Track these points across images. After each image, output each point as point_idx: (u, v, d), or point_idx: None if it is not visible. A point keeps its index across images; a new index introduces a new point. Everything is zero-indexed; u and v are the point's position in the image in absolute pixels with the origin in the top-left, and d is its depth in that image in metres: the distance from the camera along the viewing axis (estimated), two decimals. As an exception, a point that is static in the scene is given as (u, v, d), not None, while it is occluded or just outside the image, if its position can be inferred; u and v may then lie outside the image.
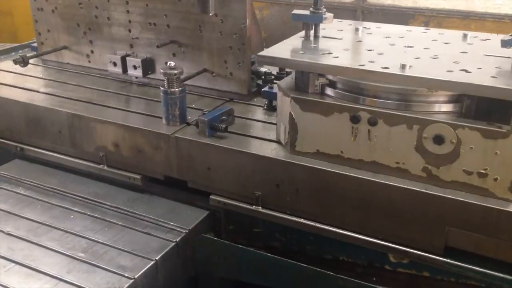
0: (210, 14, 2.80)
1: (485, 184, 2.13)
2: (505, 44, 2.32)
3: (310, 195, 2.44)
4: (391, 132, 2.23)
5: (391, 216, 2.29)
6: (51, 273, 2.38)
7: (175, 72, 2.72)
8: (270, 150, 2.54)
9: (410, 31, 2.89)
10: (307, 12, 2.68)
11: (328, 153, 2.40)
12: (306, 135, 2.42)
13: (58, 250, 2.53)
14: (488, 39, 2.70)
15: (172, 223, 2.70)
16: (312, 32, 2.73)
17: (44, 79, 3.61)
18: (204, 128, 2.65)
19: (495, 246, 2.14)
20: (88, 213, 2.83)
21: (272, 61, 2.48)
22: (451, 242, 2.22)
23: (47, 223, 2.74)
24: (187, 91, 3.26)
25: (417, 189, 2.20)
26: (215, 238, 2.75)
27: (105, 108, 3.09)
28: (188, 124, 2.81)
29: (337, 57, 2.40)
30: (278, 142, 2.62)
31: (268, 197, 2.55)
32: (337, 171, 2.34)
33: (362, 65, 2.26)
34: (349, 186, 2.33)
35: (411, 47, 2.56)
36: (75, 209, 2.86)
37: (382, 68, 2.23)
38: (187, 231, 2.66)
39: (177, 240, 2.60)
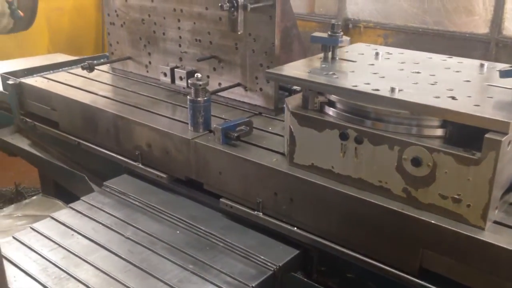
0: (239, 33, 3.06)
1: (459, 210, 2.15)
2: (502, 74, 2.33)
3: (302, 205, 2.58)
4: (375, 151, 2.32)
5: (372, 233, 2.36)
6: (163, 279, 2.51)
7: (200, 83, 3.01)
8: (272, 161, 2.73)
9: (431, 58, 2.94)
10: (325, 35, 2.86)
11: (321, 167, 2.53)
12: (303, 148, 2.58)
13: (170, 258, 2.67)
14: (504, 70, 2.67)
15: (262, 257, 2.65)
16: (330, 54, 2.90)
17: (107, 84, 4.08)
18: (219, 135, 2.90)
19: (465, 272, 2.14)
20: (193, 230, 2.93)
21: (277, 77, 2.68)
22: (425, 264, 2.25)
23: (154, 235, 2.87)
24: (223, 103, 3.57)
25: (394, 208, 2.27)
26: (305, 279, 2.68)
27: (146, 112, 3.45)
28: (210, 131, 3.07)
29: (337, 77, 2.54)
30: (283, 154, 2.80)
31: (268, 204, 2.72)
32: (324, 184, 2.47)
33: (355, 86, 2.39)
34: (335, 200, 2.45)
35: (418, 73, 2.63)
36: (181, 224, 2.98)
37: (373, 90, 2.34)
38: (277, 267, 2.60)
39: (275, 268, 2.58)
